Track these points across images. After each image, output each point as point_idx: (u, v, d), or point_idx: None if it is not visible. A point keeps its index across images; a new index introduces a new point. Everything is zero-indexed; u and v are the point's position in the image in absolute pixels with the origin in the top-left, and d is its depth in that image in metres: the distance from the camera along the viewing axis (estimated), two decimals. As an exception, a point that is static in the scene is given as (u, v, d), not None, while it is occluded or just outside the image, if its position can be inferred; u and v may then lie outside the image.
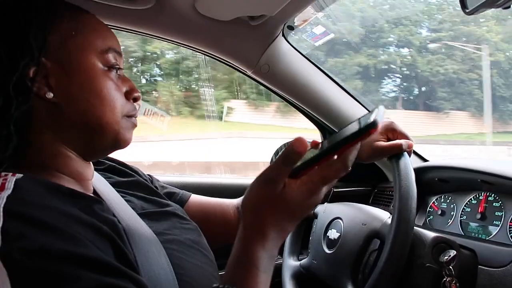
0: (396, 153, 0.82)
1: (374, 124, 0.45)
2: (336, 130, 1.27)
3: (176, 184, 1.07)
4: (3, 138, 0.51)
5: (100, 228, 0.51)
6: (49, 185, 0.53)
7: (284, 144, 1.58)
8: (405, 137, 0.85)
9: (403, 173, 0.78)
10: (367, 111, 1.28)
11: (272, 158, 1.63)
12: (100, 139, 0.61)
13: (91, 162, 0.66)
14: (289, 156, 0.49)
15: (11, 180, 0.49)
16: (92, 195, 0.63)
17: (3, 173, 0.51)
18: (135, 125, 0.66)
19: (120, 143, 0.63)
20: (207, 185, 1.40)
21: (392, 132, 0.85)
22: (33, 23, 0.55)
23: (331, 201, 1.10)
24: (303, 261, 1.05)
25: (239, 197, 0.99)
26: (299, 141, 0.49)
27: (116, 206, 0.64)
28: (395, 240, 0.73)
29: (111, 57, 0.62)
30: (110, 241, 0.51)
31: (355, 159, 0.87)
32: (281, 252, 1.48)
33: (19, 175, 0.51)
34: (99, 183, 0.69)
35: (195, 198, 0.93)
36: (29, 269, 0.40)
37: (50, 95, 0.56)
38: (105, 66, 0.61)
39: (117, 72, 0.63)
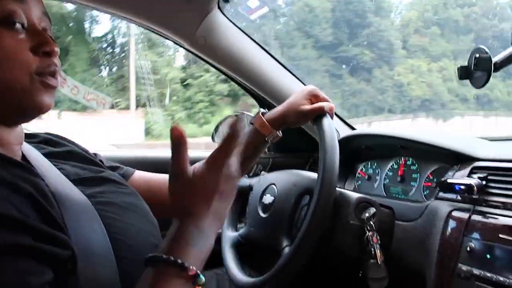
0: (319, 115, 0.89)
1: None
2: (273, 103, 1.31)
3: (119, 159, 1.04)
4: None
5: (19, 186, 0.50)
6: None
7: (222, 120, 1.60)
8: (326, 101, 0.92)
9: (327, 131, 0.84)
10: (302, 85, 1.33)
11: (212, 134, 1.65)
12: (9, 102, 0.57)
13: (16, 128, 0.63)
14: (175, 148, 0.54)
15: None
16: (19, 160, 0.61)
17: None
18: (51, 86, 0.59)
19: (33, 106, 0.59)
20: (150, 159, 1.39)
21: (315, 97, 0.92)
22: None
23: (269, 172, 1.15)
24: (241, 230, 1.08)
25: None
26: (175, 129, 0.53)
27: (46, 172, 0.63)
28: (321, 190, 0.78)
29: (4, 6, 0.55)
30: (32, 201, 0.51)
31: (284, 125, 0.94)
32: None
33: None
34: (30, 151, 0.67)
35: (139, 173, 0.93)
36: None
37: None
38: None
39: (23, 27, 0.57)
